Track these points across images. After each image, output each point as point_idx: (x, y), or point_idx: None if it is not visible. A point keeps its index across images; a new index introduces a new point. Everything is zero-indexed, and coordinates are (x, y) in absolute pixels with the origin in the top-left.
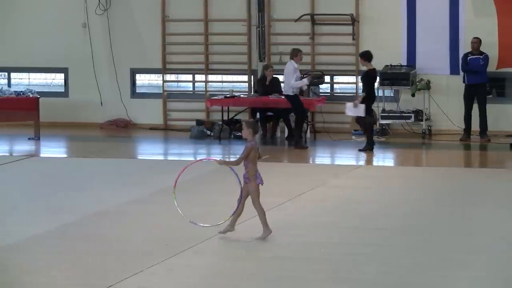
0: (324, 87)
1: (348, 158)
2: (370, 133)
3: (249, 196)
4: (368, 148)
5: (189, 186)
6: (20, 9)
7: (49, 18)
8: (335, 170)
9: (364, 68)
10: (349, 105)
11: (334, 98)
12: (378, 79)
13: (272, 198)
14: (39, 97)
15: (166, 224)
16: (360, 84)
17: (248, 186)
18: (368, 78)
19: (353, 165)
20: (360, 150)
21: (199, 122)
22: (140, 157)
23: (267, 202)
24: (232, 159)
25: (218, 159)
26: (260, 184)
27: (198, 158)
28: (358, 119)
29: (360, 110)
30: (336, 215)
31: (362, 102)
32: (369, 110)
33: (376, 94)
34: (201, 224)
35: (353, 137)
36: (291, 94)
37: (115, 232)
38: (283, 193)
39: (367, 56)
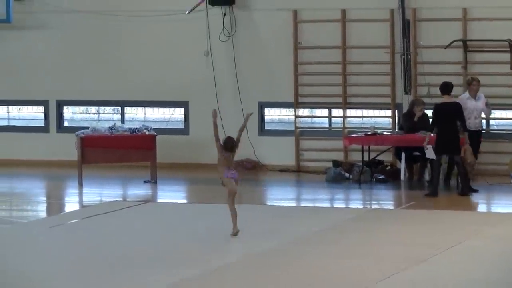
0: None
1: (507, 204)
2: (435, 175)
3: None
4: (431, 194)
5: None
6: (137, 37)
7: (168, 46)
8: (491, 218)
9: None
10: (429, 147)
11: (490, 135)
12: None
13: (417, 250)
14: (156, 135)
15: (308, 280)
16: None
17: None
18: (435, 113)
19: None
20: (426, 195)
21: (336, 163)
22: (269, 203)
23: (411, 256)
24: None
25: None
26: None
27: None
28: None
29: (430, 153)
30: (494, 271)
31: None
32: (440, 151)
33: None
34: None
35: None
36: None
37: None
38: (430, 245)
39: (443, 88)
